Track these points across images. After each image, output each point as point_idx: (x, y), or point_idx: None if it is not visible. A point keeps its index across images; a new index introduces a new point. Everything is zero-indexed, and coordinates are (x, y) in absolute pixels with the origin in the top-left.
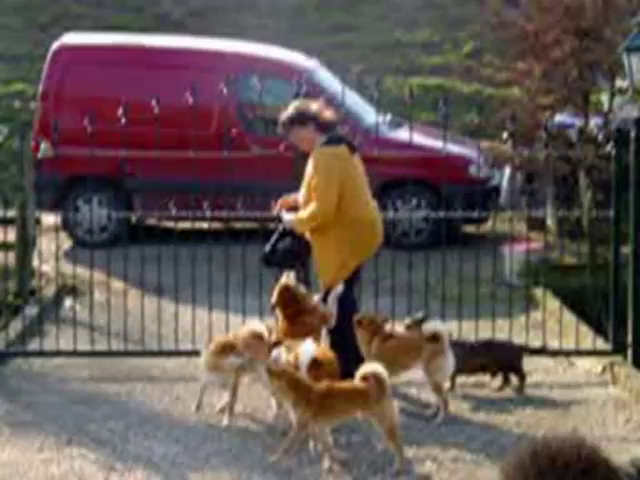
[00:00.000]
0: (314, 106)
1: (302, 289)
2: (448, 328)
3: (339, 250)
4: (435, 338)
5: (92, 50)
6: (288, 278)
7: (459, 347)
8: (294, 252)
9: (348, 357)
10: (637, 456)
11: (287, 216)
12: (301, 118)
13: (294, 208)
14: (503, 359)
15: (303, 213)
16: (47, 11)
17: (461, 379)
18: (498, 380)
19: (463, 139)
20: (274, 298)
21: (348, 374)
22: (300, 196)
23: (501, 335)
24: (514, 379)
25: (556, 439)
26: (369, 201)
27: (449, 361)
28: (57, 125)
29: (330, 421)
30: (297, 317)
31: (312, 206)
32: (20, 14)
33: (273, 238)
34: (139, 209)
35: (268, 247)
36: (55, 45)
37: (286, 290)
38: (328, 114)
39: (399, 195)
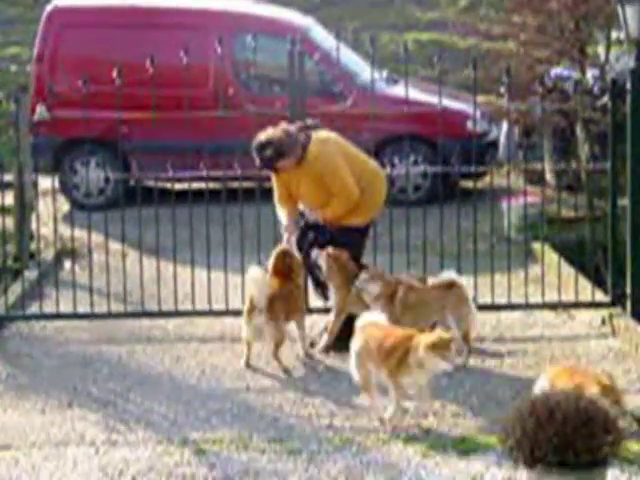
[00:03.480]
0: (276, 133)
1: (297, 260)
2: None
3: (356, 216)
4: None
5: (86, 11)
6: (286, 244)
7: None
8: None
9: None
10: (637, 407)
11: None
12: (281, 153)
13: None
14: None
15: (333, 209)
16: None
17: None
18: None
19: (460, 94)
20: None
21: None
22: (307, 199)
23: (500, 290)
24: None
25: (555, 392)
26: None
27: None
28: (52, 88)
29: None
30: (282, 286)
31: (339, 200)
32: None
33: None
34: (136, 171)
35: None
36: (49, 7)
37: (283, 255)
38: (290, 129)
39: (396, 151)
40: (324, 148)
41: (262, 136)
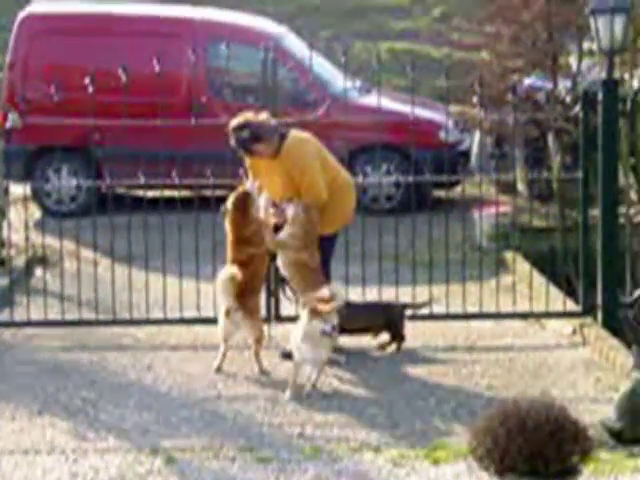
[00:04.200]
0: (256, 118)
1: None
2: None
3: (325, 225)
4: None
5: (59, 19)
6: (250, 186)
7: (344, 308)
8: None
9: None
10: (607, 417)
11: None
12: (256, 136)
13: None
14: (385, 319)
15: None
16: None
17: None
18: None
19: (433, 103)
20: (229, 201)
21: None
22: (276, 194)
23: (472, 299)
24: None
25: (525, 401)
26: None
27: None
28: (25, 95)
29: None
30: (241, 228)
31: (307, 198)
32: None
33: None
34: (108, 178)
35: None
36: (22, 14)
37: (245, 196)
38: (269, 119)
39: (368, 160)
40: (300, 145)
41: (241, 117)
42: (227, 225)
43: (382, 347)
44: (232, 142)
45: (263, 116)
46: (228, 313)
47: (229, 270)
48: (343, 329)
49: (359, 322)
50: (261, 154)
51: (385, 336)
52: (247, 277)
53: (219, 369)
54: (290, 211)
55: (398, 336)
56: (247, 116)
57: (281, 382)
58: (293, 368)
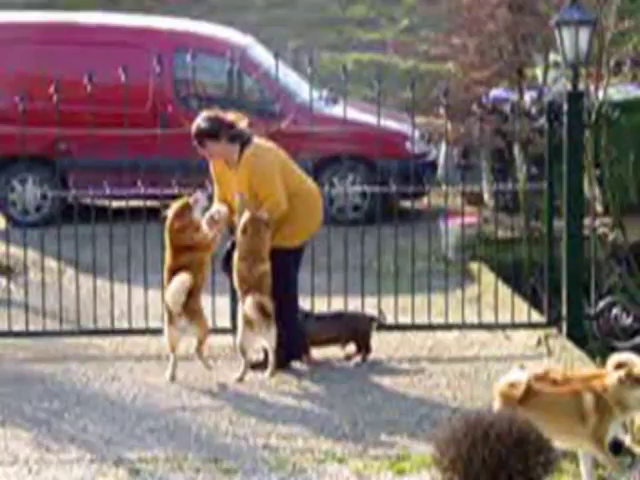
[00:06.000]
0: (225, 118)
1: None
2: None
3: (289, 237)
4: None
5: (23, 28)
6: (194, 197)
7: (310, 319)
8: None
9: (291, 338)
10: None
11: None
12: (213, 132)
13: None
14: (353, 330)
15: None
16: None
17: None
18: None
19: (400, 115)
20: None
21: (292, 354)
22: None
23: (437, 310)
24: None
25: (489, 412)
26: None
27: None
28: None
29: None
30: (180, 237)
31: (266, 208)
32: None
33: (229, 245)
34: (74, 188)
35: (224, 255)
36: None
37: (185, 206)
38: (239, 123)
39: (335, 171)
40: (262, 153)
41: (212, 112)
42: (166, 232)
43: (348, 358)
44: (192, 130)
45: (235, 118)
46: (171, 320)
47: (182, 277)
48: (311, 341)
49: (327, 333)
50: (213, 155)
51: (352, 347)
52: None
53: (173, 378)
54: (242, 220)
55: (365, 347)
56: (219, 113)
57: (247, 393)
58: None
